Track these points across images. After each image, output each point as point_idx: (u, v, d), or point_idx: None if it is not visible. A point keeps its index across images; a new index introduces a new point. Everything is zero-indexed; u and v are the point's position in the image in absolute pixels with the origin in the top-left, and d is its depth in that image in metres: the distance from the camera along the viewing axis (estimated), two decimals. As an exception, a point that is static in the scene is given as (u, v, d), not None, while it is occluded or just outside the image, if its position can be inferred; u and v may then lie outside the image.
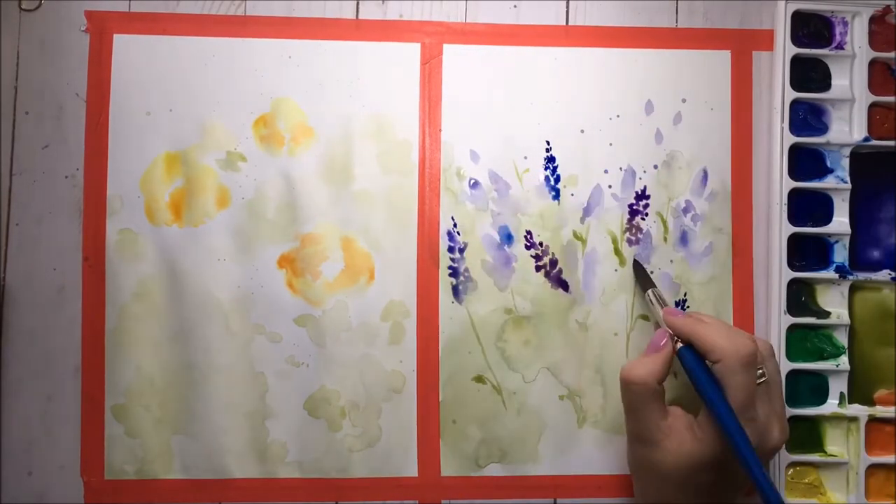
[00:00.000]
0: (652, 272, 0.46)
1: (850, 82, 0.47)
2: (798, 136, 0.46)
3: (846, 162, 0.46)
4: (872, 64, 0.47)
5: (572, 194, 0.46)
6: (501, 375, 0.46)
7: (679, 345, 0.40)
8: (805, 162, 0.46)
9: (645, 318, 0.46)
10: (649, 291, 0.44)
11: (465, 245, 0.46)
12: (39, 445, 0.44)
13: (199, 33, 0.46)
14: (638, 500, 0.42)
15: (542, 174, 0.46)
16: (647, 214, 0.46)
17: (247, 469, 0.45)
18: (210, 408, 0.45)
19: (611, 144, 0.46)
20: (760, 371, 0.39)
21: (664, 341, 0.41)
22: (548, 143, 0.46)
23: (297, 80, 0.46)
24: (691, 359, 0.39)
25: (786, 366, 0.45)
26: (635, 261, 0.45)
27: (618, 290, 0.46)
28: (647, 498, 0.40)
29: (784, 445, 0.42)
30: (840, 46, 0.47)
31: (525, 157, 0.46)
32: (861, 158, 0.47)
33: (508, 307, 0.46)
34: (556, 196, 0.46)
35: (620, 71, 0.47)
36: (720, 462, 0.38)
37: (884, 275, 0.46)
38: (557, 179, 0.46)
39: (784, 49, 0.46)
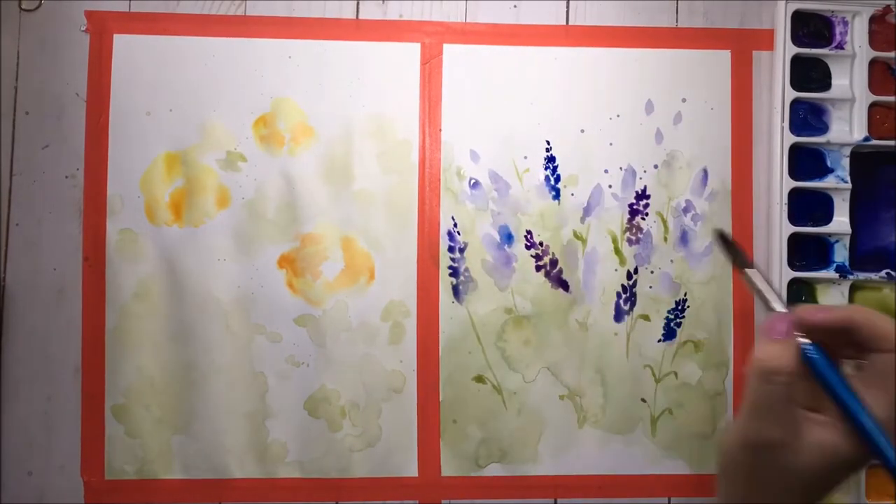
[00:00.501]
0: (652, 272, 0.46)
1: (850, 82, 0.47)
2: (798, 135, 0.46)
3: (846, 161, 0.46)
4: (872, 63, 0.46)
5: (572, 194, 0.46)
6: (502, 375, 0.46)
7: (803, 341, 0.33)
8: (805, 161, 0.46)
9: (645, 317, 0.46)
10: (749, 271, 0.35)
11: (466, 245, 0.46)
12: (40, 445, 0.44)
13: (200, 33, 0.46)
14: None
15: (542, 174, 0.46)
16: (647, 214, 0.46)
17: (247, 469, 0.45)
18: (210, 408, 0.45)
19: (611, 144, 0.46)
20: None
21: (792, 326, 0.32)
22: (548, 142, 0.46)
23: (297, 80, 0.46)
24: (822, 359, 0.33)
25: (786, 365, 0.45)
26: (721, 233, 0.37)
27: (617, 289, 0.46)
28: None
29: None
30: (840, 46, 0.47)
31: (525, 157, 0.46)
32: (861, 158, 0.47)
33: (509, 307, 0.46)
34: (557, 196, 0.46)
35: (620, 71, 0.47)
36: (859, 462, 0.34)
37: (884, 274, 0.46)
38: (558, 179, 0.46)
39: (784, 49, 0.46)
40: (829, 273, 0.46)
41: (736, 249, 0.36)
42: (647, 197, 0.46)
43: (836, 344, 0.33)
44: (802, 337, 0.32)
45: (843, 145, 0.46)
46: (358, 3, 0.46)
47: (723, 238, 0.36)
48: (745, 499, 0.34)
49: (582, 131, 0.46)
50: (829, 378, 0.32)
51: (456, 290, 0.46)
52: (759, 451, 0.33)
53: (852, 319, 0.32)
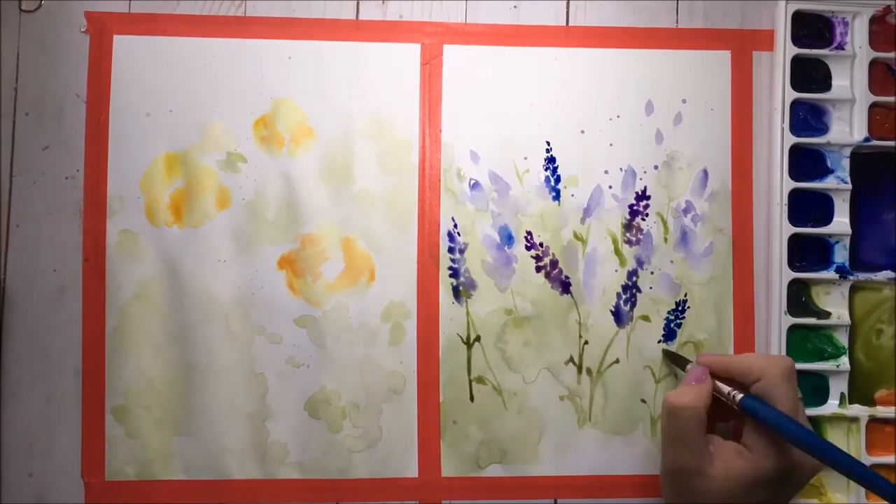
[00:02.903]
0: (652, 272, 0.46)
1: (850, 82, 0.47)
2: (798, 136, 0.46)
3: (846, 162, 0.46)
4: (873, 64, 0.46)
5: (572, 195, 0.46)
6: (502, 376, 0.46)
7: (738, 396, 0.39)
8: (805, 162, 0.46)
9: (646, 318, 0.46)
10: (687, 367, 0.43)
11: (466, 246, 0.46)
12: (40, 447, 0.44)
13: (199, 34, 0.46)
14: None
15: (542, 174, 0.46)
16: (647, 215, 0.46)
17: (247, 470, 0.45)
18: (210, 409, 0.45)
19: (611, 145, 0.46)
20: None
21: (705, 375, 0.41)
22: (548, 143, 0.46)
23: (297, 81, 0.46)
24: (753, 402, 0.39)
25: (786, 366, 0.45)
26: (665, 351, 0.46)
27: (618, 290, 0.46)
28: None
29: None
30: (840, 47, 0.47)
31: (525, 158, 0.46)
32: (861, 159, 0.47)
33: (509, 308, 0.46)
34: (557, 196, 0.46)
35: (620, 71, 0.47)
36: (772, 479, 0.38)
37: (884, 275, 0.46)
38: (558, 180, 0.46)
39: (784, 49, 0.46)
40: (830, 274, 0.46)
41: (678, 358, 0.45)
42: (648, 198, 0.46)
43: (731, 381, 0.41)
44: (733, 392, 0.40)
45: (843, 146, 0.46)
46: (358, 4, 0.46)
47: (668, 355, 0.46)
48: None
49: (582, 132, 0.46)
50: (762, 411, 0.38)
51: (456, 291, 0.46)
52: (675, 475, 0.41)
53: (726, 367, 0.41)
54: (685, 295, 0.46)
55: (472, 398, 0.45)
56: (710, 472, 0.38)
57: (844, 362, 0.46)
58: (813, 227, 0.46)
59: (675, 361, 0.45)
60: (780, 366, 0.39)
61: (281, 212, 0.45)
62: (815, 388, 0.46)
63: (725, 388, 0.40)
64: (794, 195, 0.46)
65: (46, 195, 0.45)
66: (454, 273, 0.46)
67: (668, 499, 0.41)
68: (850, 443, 0.46)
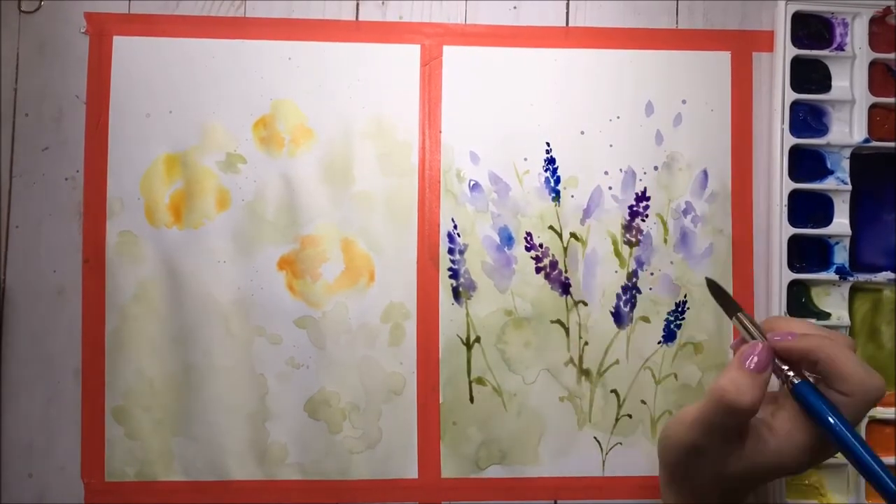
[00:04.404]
0: (652, 273, 0.46)
1: (850, 83, 0.47)
2: (798, 137, 0.46)
3: (846, 163, 0.46)
4: (873, 65, 0.46)
5: (572, 196, 0.46)
6: (502, 377, 0.46)
7: (792, 376, 0.35)
8: (805, 163, 0.46)
9: (645, 319, 0.46)
10: (738, 315, 0.37)
11: (466, 247, 0.46)
12: (40, 447, 0.44)
13: (199, 35, 0.46)
14: None
15: (542, 175, 0.46)
16: (647, 216, 0.46)
17: (247, 471, 0.45)
18: (210, 409, 0.45)
19: (611, 146, 0.46)
20: None
21: (769, 361, 0.35)
22: (548, 144, 0.46)
23: (296, 82, 0.46)
24: (815, 397, 0.34)
25: (786, 367, 0.45)
26: (711, 282, 0.39)
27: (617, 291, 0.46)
28: None
29: None
30: (840, 47, 0.47)
31: (525, 159, 0.46)
32: (861, 160, 0.47)
33: (509, 309, 0.46)
34: (557, 197, 0.46)
35: (620, 72, 0.47)
36: (777, 471, 0.36)
37: (884, 276, 0.46)
38: (557, 181, 0.46)
39: (784, 50, 0.46)
40: (830, 275, 0.46)
41: (727, 297, 0.39)
42: (647, 198, 0.46)
43: (797, 360, 0.35)
44: (790, 372, 0.35)
45: (843, 147, 0.46)
46: (358, 5, 0.46)
47: (714, 287, 0.39)
48: (679, 495, 0.37)
49: (582, 133, 0.46)
50: (820, 411, 0.34)
51: (456, 292, 0.46)
52: (694, 455, 0.36)
53: (816, 354, 0.34)
54: (685, 296, 0.46)
55: (471, 399, 0.45)
56: (731, 457, 0.35)
57: (844, 363, 0.46)
58: (813, 228, 0.46)
59: (721, 299, 0.39)
60: (871, 395, 0.34)
61: (281, 213, 0.45)
62: (814, 389, 0.46)
63: (784, 367, 0.35)
64: (794, 196, 0.46)
65: (46, 196, 0.45)
66: (454, 274, 0.46)
67: (675, 475, 0.37)
68: (849, 444, 0.46)
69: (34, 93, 0.45)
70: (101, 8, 0.45)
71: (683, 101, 0.47)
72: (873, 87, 0.46)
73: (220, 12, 0.46)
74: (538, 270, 0.46)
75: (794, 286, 0.46)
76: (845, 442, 0.33)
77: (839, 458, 0.45)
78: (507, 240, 0.46)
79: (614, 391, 0.46)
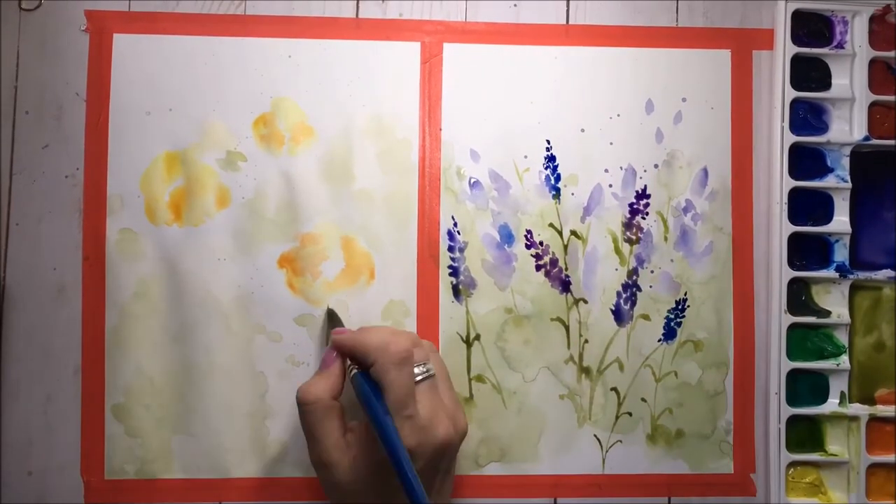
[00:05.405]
0: (652, 271, 0.46)
1: (850, 81, 0.47)
2: (798, 135, 0.46)
3: (846, 161, 0.46)
4: (872, 63, 0.47)
5: (572, 193, 0.46)
6: (501, 375, 0.46)
7: (354, 370, 0.39)
8: (805, 161, 0.46)
9: (646, 317, 0.46)
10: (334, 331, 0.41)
11: (466, 244, 0.46)
12: (39, 445, 0.44)
13: (199, 33, 0.46)
14: None
15: (542, 173, 0.46)
16: (647, 214, 0.46)
17: (247, 468, 0.45)
18: (210, 407, 0.45)
19: (611, 143, 0.46)
20: (424, 368, 0.38)
21: (333, 357, 0.40)
22: (548, 142, 0.46)
23: (297, 80, 0.46)
24: (362, 381, 0.38)
25: (786, 365, 0.45)
26: (330, 311, 0.44)
27: (618, 288, 0.46)
28: None
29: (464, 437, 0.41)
30: (840, 45, 0.47)
31: (525, 157, 0.46)
32: (861, 157, 0.47)
33: (509, 306, 0.46)
34: (557, 195, 0.46)
35: (621, 70, 0.47)
36: (373, 471, 0.37)
37: (884, 274, 0.46)
38: (558, 178, 0.46)
39: (784, 48, 0.46)
40: (830, 273, 0.46)
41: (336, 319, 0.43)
42: (648, 196, 0.46)
43: (360, 357, 0.38)
44: (354, 366, 0.39)
45: (843, 145, 0.46)
46: (358, 3, 0.46)
47: (331, 314, 0.44)
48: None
49: (582, 131, 0.46)
50: (363, 389, 0.38)
51: (456, 290, 0.46)
52: (317, 468, 0.39)
53: (353, 346, 0.39)
54: (685, 294, 0.46)
55: (471, 397, 0.45)
56: (345, 463, 0.37)
57: (844, 361, 0.46)
58: (813, 225, 0.46)
59: (331, 323, 0.43)
60: (390, 351, 0.37)
61: (281, 210, 0.45)
62: (815, 387, 0.46)
63: (348, 364, 0.39)
64: (794, 194, 0.46)
65: (46, 194, 0.45)
66: (454, 272, 0.46)
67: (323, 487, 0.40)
68: (850, 442, 0.46)
69: (34, 90, 0.45)
70: (101, 6, 0.45)
71: (683, 99, 0.47)
72: (873, 85, 0.46)
73: (220, 10, 0.46)
74: (538, 268, 0.46)
75: (794, 284, 0.46)
76: (379, 423, 0.36)
77: (840, 456, 0.45)
78: (508, 237, 0.46)
79: (614, 389, 0.46)
